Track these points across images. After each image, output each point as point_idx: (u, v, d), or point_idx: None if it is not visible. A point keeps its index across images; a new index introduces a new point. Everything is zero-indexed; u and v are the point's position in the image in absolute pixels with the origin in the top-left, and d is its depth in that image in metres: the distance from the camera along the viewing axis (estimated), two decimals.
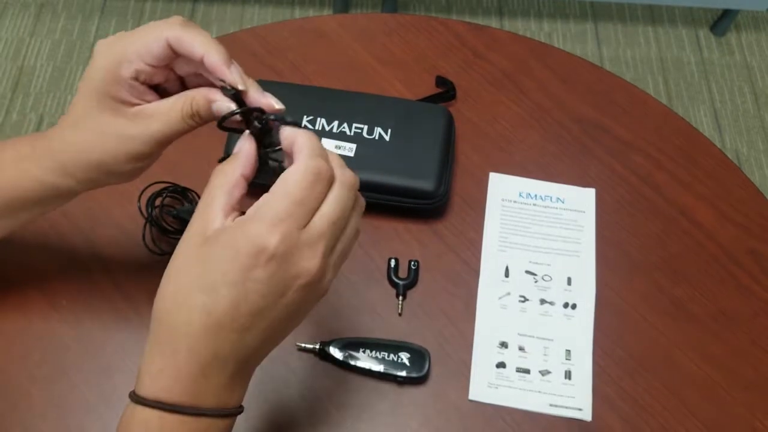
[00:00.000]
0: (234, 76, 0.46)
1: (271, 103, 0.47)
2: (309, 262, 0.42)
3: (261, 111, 0.47)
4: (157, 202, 0.73)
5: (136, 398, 0.43)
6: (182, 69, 0.50)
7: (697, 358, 0.71)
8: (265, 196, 0.43)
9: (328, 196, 0.44)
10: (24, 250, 0.72)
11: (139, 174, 0.53)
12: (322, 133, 0.76)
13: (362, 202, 0.48)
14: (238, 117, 0.47)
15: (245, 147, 0.46)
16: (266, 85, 0.79)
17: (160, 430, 0.42)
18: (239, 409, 0.46)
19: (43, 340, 0.68)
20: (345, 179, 0.45)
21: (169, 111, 0.47)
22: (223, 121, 0.47)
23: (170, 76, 0.50)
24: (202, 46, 0.46)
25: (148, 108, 0.48)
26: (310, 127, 0.76)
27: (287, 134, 0.46)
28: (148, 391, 0.43)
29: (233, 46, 0.89)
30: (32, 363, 0.67)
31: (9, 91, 1.78)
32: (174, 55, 0.47)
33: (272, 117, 0.47)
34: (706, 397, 0.69)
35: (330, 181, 0.44)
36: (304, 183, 0.42)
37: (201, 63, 0.47)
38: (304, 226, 0.42)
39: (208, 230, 0.42)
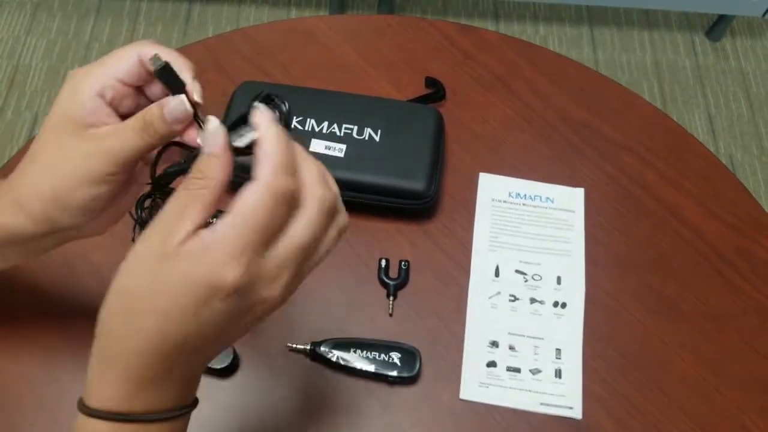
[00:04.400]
0: (192, 86, 0.44)
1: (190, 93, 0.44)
2: (270, 291, 0.40)
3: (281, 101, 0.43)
4: (147, 203, 0.73)
5: (87, 410, 0.42)
6: (154, 92, 0.48)
7: (687, 356, 0.71)
8: (224, 218, 0.38)
9: (296, 219, 0.40)
10: None
11: (98, 217, 0.49)
12: (312, 134, 0.76)
13: (342, 220, 0.43)
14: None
15: (223, 153, 0.41)
16: (255, 86, 0.80)
17: None
18: (191, 407, 0.45)
19: (33, 342, 0.68)
20: (318, 197, 0.41)
21: (124, 127, 0.45)
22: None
23: (141, 103, 0.48)
24: (164, 53, 0.45)
25: (105, 127, 0.46)
26: (300, 128, 0.77)
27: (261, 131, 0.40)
28: (98, 402, 0.42)
29: (223, 46, 0.89)
30: (22, 365, 0.67)
31: (4, 89, 1.78)
32: (145, 74, 0.46)
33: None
34: (696, 394, 0.69)
35: (294, 202, 0.40)
36: (263, 208, 0.38)
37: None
38: (267, 251, 0.39)
39: (169, 246, 0.38)
